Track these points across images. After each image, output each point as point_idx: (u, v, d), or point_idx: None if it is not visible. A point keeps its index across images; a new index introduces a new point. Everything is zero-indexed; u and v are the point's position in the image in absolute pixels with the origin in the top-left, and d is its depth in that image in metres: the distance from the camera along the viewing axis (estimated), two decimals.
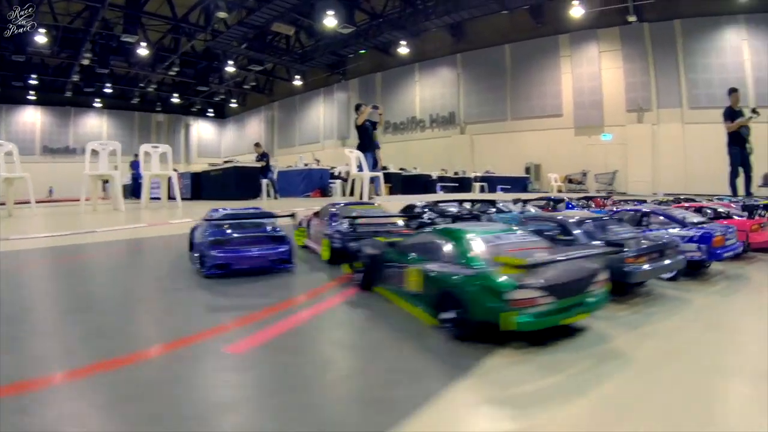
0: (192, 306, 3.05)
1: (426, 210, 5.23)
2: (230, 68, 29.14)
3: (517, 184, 20.53)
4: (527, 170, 22.77)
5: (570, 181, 21.28)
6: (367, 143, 10.94)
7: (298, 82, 30.43)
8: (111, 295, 3.51)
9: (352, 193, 10.82)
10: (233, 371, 2.06)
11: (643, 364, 2.15)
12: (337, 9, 20.78)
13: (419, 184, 15.89)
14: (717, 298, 3.29)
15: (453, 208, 5.45)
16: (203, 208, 5.41)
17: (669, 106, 20.45)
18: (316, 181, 14.71)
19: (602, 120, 21.52)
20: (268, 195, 12.55)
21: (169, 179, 10.67)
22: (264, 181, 12.53)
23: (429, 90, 26.56)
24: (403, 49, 25.50)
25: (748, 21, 19.85)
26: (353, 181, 10.71)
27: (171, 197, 10.84)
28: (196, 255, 3.77)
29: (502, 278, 2.11)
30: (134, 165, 14.86)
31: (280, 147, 34.58)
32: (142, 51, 24.78)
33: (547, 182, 21.33)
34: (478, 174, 20.03)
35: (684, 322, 2.75)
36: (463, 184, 18.96)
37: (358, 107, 11.19)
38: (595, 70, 21.89)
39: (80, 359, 2.13)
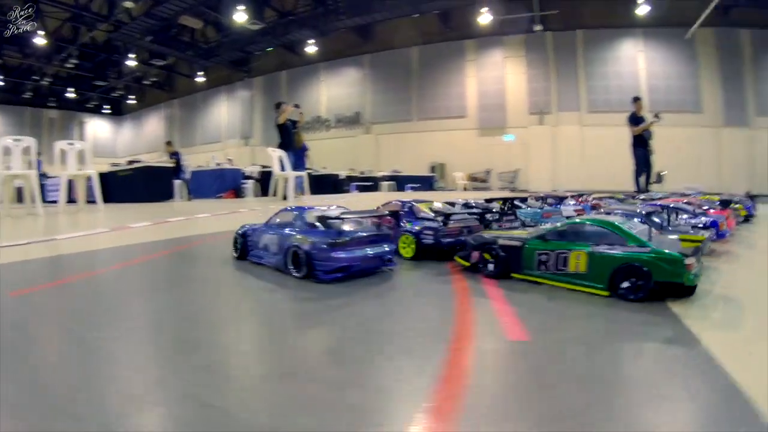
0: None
1: (474, 207, 5.01)
2: (131, 62, 27.17)
3: (425, 182, 20.65)
4: (432, 169, 22.73)
5: (474, 179, 21.70)
6: (288, 142, 10.95)
7: (200, 78, 28.75)
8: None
9: (275, 193, 10.70)
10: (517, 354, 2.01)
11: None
12: (248, 4, 20.36)
13: (328, 183, 15.36)
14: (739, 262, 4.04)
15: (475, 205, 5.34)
16: (137, 212, 6.16)
17: (568, 109, 21.34)
18: (230, 182, 13.94)
19: (505, 121, 22.09)
20: (181, 196, 12.01)
21: (89, 179, 9.23)
22: (177, 182, 11.89)
23: (335, 90, 25.85)
24: (311, 48, 24.94)
25: (646, 34, 21.24)
26: (277, 180, 10.59)
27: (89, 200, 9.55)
28: (301, 259, 3.28)
29: (681, 251, 2.79)
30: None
31: (181, 146, 32.01)
32: (39, 40, 22.71)
33: (452, 180, 21.76)
34: (386, 173, 19.95)
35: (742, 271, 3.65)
36: (373, 183, 18.87)
37: (278, 105, 11.15)
38: (499, 75, 22.53)
39: None
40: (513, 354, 2.01)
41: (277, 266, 3.49)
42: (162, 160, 13.28)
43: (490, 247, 3.34)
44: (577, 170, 20.47)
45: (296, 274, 3.26)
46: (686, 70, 20.98)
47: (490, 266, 3.32)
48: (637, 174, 11.91)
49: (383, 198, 9.44)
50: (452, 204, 5.04)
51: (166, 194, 11.51)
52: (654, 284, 2.67)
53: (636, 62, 21.17)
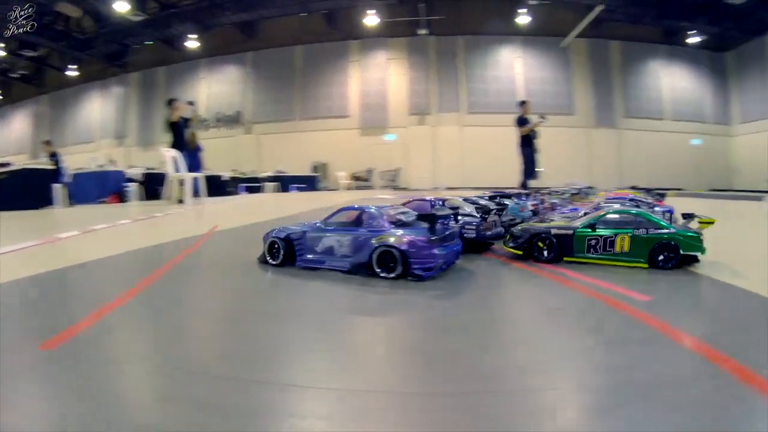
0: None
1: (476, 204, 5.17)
2: None
3: (309, 183, 20.37)
4: (315, 169, 22.12)
5: (357, 178, 21.42)
6: (181, 141, 10.24)
7: (73, 72, 26.13)
8: None
9: (170, 197, 9.89)
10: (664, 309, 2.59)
11: None
12: None
13: (212, 185, 13.98)
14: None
15: (483, 201, 5.56)
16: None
17: (449, 110, 21.56)
18: (112, 185, 12.61)
19: (387, 122, 21.88)
20: (61, 202, 10.62)
21: None
22: (56, 186, 10.61)
23: (215, 88, 24.49)
24: (192, 43, 23.46)
25: (524, 41, 22.06)
26: (171, 183, 9.77)
27: None
28: (397, 258, 3.11)
29: (696, 229, 3.61)
30: None
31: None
32: None
33: (335, 180, 21.28)
34: (270, 174, 19.27)
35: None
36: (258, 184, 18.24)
37: (171, 102, 10.46)
38: (382, 76, 22.36)
39: None
40: (661, 309, 2.54)
41: (350, 269, 3.29)
42: (38, 162, 12.16)
43: (544, 236, 3.84)
44: (457, 169, 20.73)
45: (386, 275, 3.12)
46: (561, 76, 21.74)
47: (545, 253, 3.83)
48: (525, 172, 12.39)
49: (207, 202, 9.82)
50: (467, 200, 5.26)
51: (44, 200, 10.20)
52: (680, 256, 3.53)
53: (514, 67, 21.78)
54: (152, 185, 11.72)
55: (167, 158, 9.58)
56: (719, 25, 21.34)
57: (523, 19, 20.98)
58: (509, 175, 19.19)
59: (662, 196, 8.49)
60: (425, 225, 3.28)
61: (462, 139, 20.97)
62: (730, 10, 20.07)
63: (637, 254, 3.58)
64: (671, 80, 22.52)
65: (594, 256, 3.73)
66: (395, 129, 21.51)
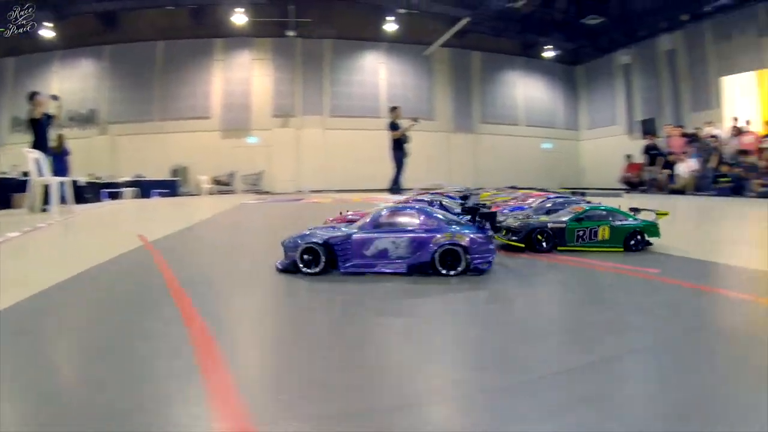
0: None
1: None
2: None
3: (172, 187, 19.66)
4: (175, 173, 21.20)
5: (218, 182, 20.86)
6: (43, 141, 9.30)
7: None
8: None
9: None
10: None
11: None
12: None
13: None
14: None
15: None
16: None
17: (313, 113, 21.68)
18: None
19: (250, 123, 21.59)
20: None
21: None
22: None
23: (68, 83, 22.64)
24: (47, 33, 21.47)
25: (389, 48, 22.54)
26: (34, 188, 8.59)
27: None
28: (460, 255, 3.23)
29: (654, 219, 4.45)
30: None
31: None
32: None
33: (196, 185, 20.60)
34: (128, 179, 18.42)
35: None
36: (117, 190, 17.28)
37: (32, 96, 9.54)
38: (246, 76, 22.03)
39: None
40: (675, 276, 3.23)
41: (408, 270, 3.29)
42: None
43: (542, 230, 4.37)
44: (320, 172, 20.87)
45: (450, 273, 3.21)
46: (423, 83, 22.56)
47: (543, 244, 4.34)
48: (397, 175, 13.05)
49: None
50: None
51: None
52: (645, 240, 4.33)
53: (378, 73, 22.26)
54: (4, 192, 10.39)
55: (29, 160, 8.55)
56: (575, 41, 23.27)
57: (390, 26, 21.54)
58: (371, 177, 19.84)
59: (583, 195, 9.27)
60: (468, 221, 3.51)
61: (325, 143, 21.16)
62: (586, 29, 21.85)
63: (615, 241, 4.36)
64: (526, 89, 24.26)
65: (582, 244, 4.39)
66: (258, 131, 21.27)
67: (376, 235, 3.32)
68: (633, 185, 18.35)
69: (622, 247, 4.37)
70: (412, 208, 3.60)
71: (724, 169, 15.13)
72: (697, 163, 16.16)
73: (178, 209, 11.81)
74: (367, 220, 3.46)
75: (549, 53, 23.99)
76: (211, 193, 19.65)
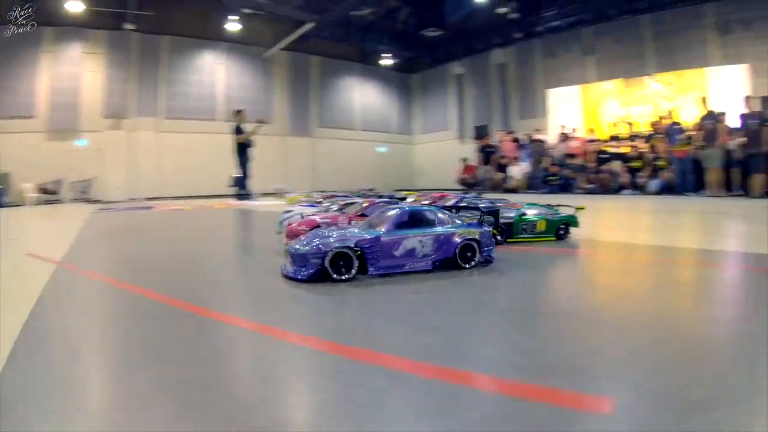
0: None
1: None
2: None
3: None
4: None
5: (44, 191, 19.38)
6: None
7: None
8: None
9: None
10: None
11: None
12: None
13: None
14: None
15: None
16: None
17: (147, 114, 21.18)
18: None
19: (79, 124, 20.53)
20: None
21: None
22: None
23: None
24: None
25: (229, 48, 22.84)
26: None
27: None
28: (475, 249, 3.65)
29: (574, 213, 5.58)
30: None
31: None
32: None
33: (19, 193, 18.69)
34: None
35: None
36: None
37: None
38: (76, 71, 20.73)
39: None
40: (616, 254, 4.94)
41: (432, 266, 3.53)
42: None
43: (497, 225, 4.91)
44: (154, 177, 20.55)
45: (468, 265, 3.56)
46: (261, 85, 23.41)
47: (498, 237, 4.86)
48: (242, 178, 13.19)
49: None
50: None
51: None
52: (569, 230, 5.35)
53: (216, 73, 22.53)
54: None
55: None
56: (413, 51, 25.36)
57: (232, 26, 21.79)
58: (208, 183, 20.72)
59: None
60: (462, 219, 4.06)
61: (159, 146, 20.89)
62: (425, 40, 23.94)
63: (549, 231, 5.32)
64: (363, 95, 26.23)
65: (525, 236, 5.26)
66: (88, 133, 20.33)
67: (403, 235, 3.38)
68: (469, 185, 20.60)
69: (554, 237, 5.34)
70: (429, 207, 3.87)
71: (554, 169, 18.21)
72: (529, 164, 19.18)
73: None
74: (384, 221, 3.48)
75: (387, 61, 25.97)
76: (37, 204, 18.09)
